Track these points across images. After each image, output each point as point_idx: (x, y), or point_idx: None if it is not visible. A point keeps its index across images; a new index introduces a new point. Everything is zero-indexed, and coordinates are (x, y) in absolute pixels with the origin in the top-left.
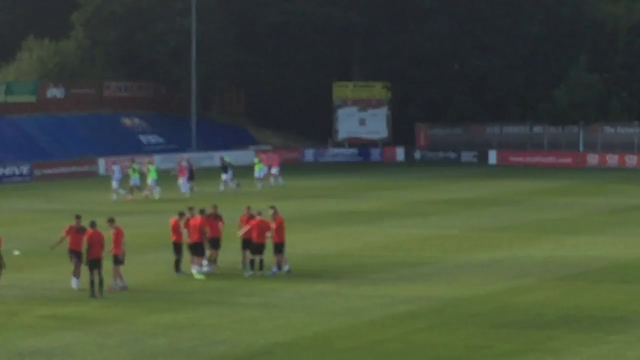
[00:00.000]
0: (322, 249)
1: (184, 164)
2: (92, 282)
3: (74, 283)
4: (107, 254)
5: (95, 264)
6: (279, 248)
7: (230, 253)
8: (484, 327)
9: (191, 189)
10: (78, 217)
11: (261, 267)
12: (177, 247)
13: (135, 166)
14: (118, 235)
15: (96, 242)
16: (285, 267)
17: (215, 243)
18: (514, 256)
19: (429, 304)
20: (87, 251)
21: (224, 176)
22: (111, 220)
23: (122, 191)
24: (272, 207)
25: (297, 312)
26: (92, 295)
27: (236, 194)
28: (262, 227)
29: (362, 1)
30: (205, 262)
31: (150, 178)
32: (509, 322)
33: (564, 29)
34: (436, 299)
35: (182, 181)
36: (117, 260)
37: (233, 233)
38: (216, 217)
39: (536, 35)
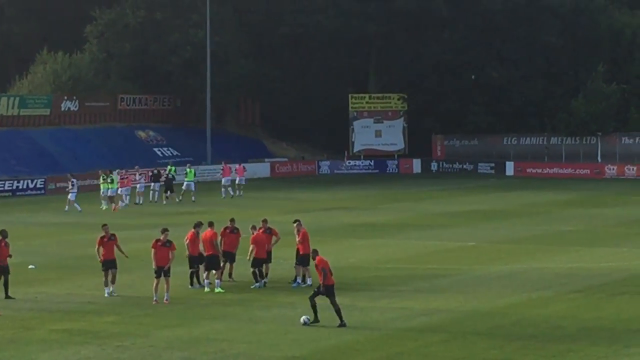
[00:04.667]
0: (338, 262)
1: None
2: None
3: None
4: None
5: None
6: (303, 260)
7: (247, 266)
8: (501, 340)
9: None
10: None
11: (264, 276)
12: (193, 260)
13: (108, 177)
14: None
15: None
16: (308, 280)
17: (230, 257)
18: (532, 268)
19: (447, 316)
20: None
21: (153, 185)
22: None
23: (76, 205)
24: (296, 221)
25: (314, 325)
26: None
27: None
28: (260, 241)
29: (378, 12)
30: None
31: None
32: (527, 335)
33: (582, 39)
34: (453, 312)
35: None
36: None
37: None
38: (232, 231)
39: (553, 46)
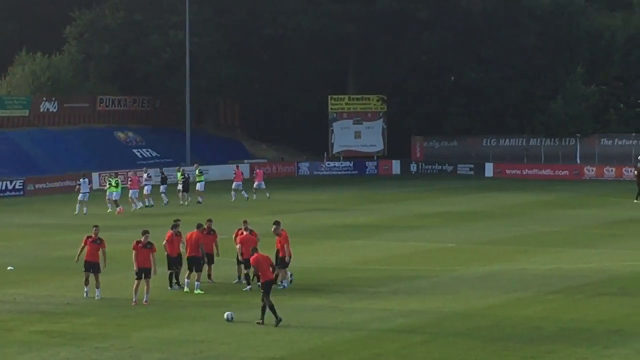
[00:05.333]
0: (317, 263)
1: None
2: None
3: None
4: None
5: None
6: (284, 262)
7: (225, 267)
8: (481, 341)
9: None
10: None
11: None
12: (172, 261)
13: (113, 180)
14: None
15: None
16: (284, 282)
17: (209, 258)
18: (511, 269)
19: (426, 317)
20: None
21: (162, 187)
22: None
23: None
24: (275, 222)
25: (294, 326)
26: None
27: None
28: (249, 242)
29: (358, 13)
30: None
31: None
32: (506, 336)
33: (560, 41)
34: (433, 313)
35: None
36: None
37: (227, 248)
38: (210, 232)
39: (532, 48)
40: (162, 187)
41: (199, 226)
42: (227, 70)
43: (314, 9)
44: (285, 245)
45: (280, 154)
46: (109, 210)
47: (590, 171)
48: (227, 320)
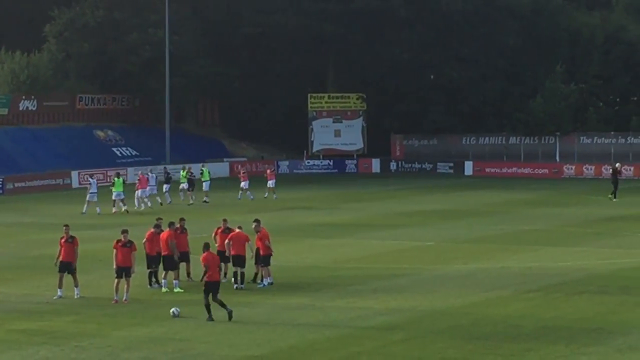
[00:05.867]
0: (297, 261)
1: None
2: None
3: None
4: None
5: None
6: (265, 260)
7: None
8: (460, 340)
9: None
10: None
11: (242, 280)
12: (151, 259)
13: (119, 179)
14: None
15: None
16: (265, 281)
17: (184, 256)
18: (491, 268)
19: (405, 316)
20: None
21: (165, 187)
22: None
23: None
24: (256, 220)
25: (273, 325)
26: None
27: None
28: (239, 239)
29: (337, 12)
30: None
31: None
32: (485, 334)
33: (540, 39)
34: (412, 311)
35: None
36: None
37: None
38: (182, 231)
39: (512, 46)
40: (165, 187)
41: (171, 224)
42: (206, 68)
43: (293, 7)
44: (265, 241)
45: (260, 152)
46: (98, 211)
47: (569, 169)
48: (173, 316)
